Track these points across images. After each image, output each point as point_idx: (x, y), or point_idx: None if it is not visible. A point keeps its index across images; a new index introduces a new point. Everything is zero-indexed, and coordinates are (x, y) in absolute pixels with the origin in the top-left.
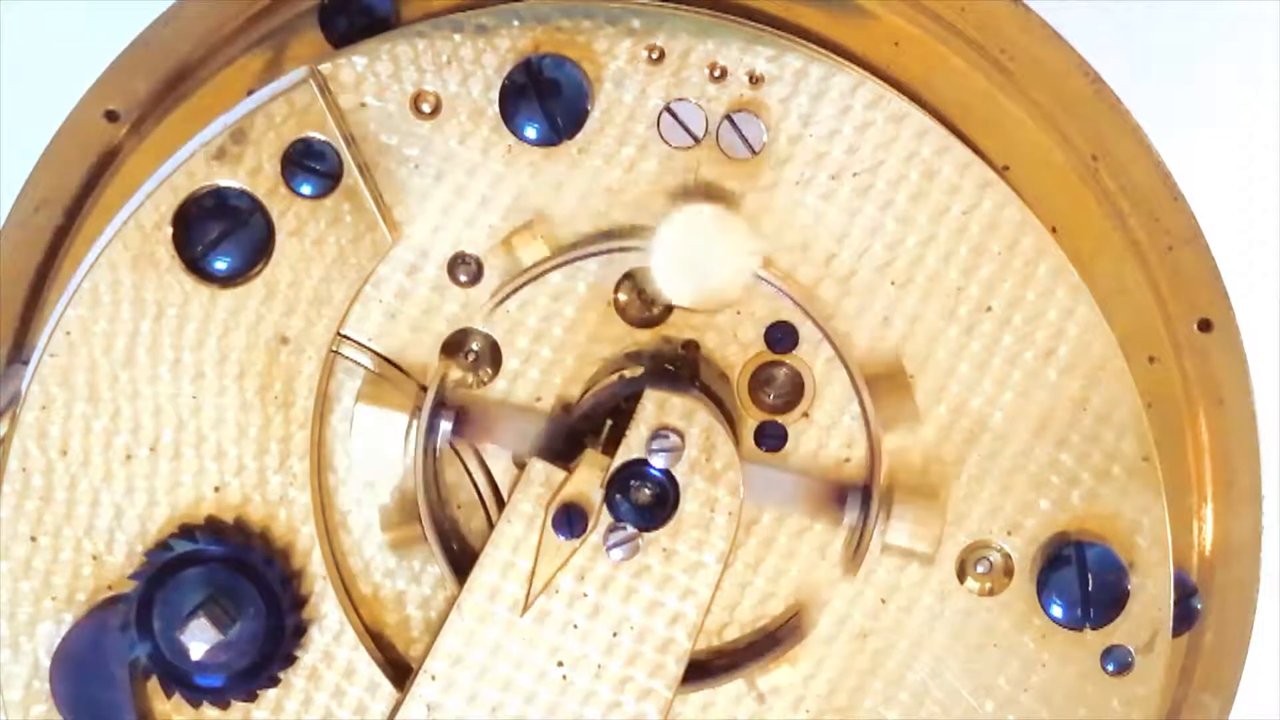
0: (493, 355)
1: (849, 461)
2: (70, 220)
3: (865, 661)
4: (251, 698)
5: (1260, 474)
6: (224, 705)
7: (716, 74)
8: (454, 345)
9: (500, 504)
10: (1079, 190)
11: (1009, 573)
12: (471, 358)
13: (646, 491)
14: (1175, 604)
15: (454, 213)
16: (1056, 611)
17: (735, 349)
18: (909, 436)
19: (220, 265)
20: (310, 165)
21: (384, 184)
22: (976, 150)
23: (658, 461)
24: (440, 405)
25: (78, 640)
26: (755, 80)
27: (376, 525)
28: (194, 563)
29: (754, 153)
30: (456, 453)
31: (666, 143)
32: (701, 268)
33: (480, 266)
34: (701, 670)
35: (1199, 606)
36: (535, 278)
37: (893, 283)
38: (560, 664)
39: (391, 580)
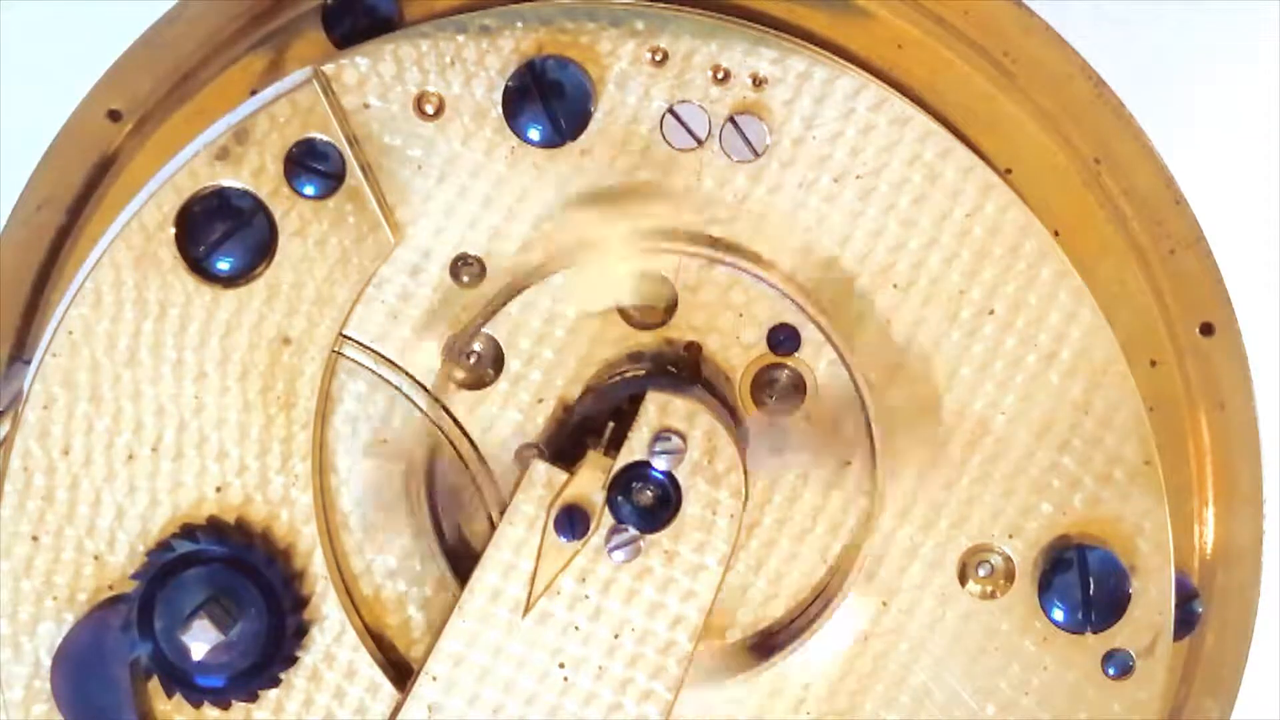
0: (495, 356)
1: (850, 465)
2: (73, 220)
3: (866, 664)
4: (252, 698)
5: (1261, 478)
6: (225, 705)
7: (720, 76)
8: (456, 346)
9: (502, 505)
10: (1081, 193)
11: (1010, 576)
12: (474, 359)
13: (648, 493)
14: (1176, 607)
15: (457, 214)
16: (1058, 615)
17: (737, 351)
18: (911, 439)
19: (223, 265)
20: (313, 166)
21: (387, 185)
22: (979, 153)
23: (660, 463)
24: (442, 406)
25: (79, 640)
26: (758, 82)
27: (378, 526)
28: (195, 563)
29: (757, 155)
30: (459, 453)
31: (669, 144)
32: None
33: (483, 268)
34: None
35: (1200, 610)
36: (538, 279)
37: (895, 285)
38: (561, 665)
39: (393, 581)
